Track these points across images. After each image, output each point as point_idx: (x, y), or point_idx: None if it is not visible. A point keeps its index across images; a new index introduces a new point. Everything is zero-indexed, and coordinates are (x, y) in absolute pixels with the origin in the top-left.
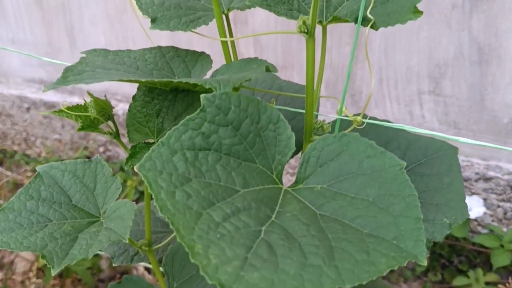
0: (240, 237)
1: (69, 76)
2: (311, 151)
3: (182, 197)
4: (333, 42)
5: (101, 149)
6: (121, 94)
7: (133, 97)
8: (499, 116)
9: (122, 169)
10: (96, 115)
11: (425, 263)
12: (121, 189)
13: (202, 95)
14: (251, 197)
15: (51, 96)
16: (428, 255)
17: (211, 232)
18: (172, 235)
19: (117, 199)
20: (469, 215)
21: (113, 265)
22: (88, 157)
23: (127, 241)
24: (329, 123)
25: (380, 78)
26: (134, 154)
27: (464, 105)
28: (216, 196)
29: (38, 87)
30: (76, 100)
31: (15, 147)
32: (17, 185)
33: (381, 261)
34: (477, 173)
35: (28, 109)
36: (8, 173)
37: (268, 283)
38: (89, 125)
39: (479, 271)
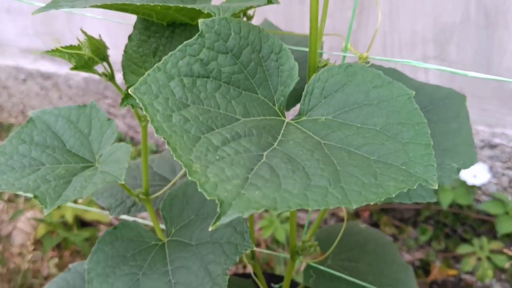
0: (241, 159)
1: (61, 1)
2: (315, 82)
3: (179, 121)
4: (336, 6)
5: None
6: (119, 63)
7: (129, 37)
8: (506, 82)
9: (121, 140)
10: (90, 54)
11: (435, 186)
12: (116, 133)
13: (200, 20)
14: (252, 125)
15: (48, 67)
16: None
17: (209, 154)
18: (170, 185)
19: (113, 144)
20: (477, 161)
21: (110, 216)
22: None
23: (122, 182)
24: (333, 63)
25: (384, 43)
26: (129, 95)
27: (470, 71)
28: (215, 122)
29: (34, 57)
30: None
31: (12, 120)
32: None
33: (389, 184)
34: (482, 140)
35: (24, 80)
36: None
37: (270, 201)
38: (83, 65)
39: (484, 239)
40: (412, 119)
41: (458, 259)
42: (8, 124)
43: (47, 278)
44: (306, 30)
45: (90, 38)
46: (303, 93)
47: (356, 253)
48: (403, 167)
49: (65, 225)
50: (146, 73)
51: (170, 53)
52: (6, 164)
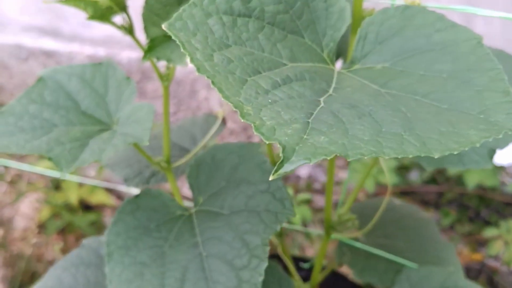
0: (297, 103)
1: None
2: (368, 26)
3: (222, 61)
4: None
5: None
6: (125, 41)
7: None
8: None
9: None
10: (109, 3)
11: None
12: (136, 93)
13: None
14: (302, 69)
15: (51, 45)
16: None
17: (260, 97)
18: (192, 153)
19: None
20: None
21: (127, 186)
22: None
23: (146, 143)
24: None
25: None
26: (153, 47)
27: (497, 45)
28: (261, 65)
29: (36, 35)
30: (76, 47)
31: None
32: None
33: (470, 133)
34: None
35: (26, 59)
36: None
37: (340, 147)
38: (100, 16)
39: (511, 221)
40: (484, 64)
41: (482, 243)
42: None
43: (51, 262)
44: None
45: None
46: (356, 39)
47: (392, 230)
48: (481, 116)
49: (69, 208)
50: (181, 8)
51: None
52: (15, 125)
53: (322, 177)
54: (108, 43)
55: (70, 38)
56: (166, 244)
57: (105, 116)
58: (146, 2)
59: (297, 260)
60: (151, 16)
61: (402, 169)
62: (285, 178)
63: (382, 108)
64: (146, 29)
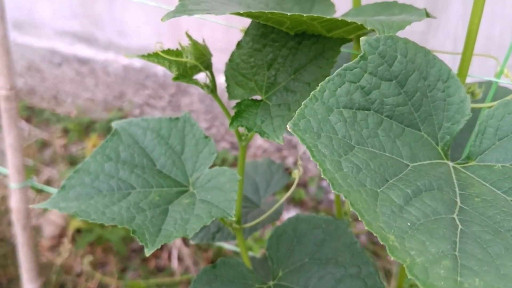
0: (435, 226)
1: (188, 4)
2: (488, 119)
3: (351, 170)
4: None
5: (137, 112)
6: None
7: (238, 44)
8: None
9: None
10: (195, 62)
11: None
12: (216, 154)
13: (362, 38)
14: (425, 173)
15: (85, 51)
16: None
17: (398, 219)
18: (263, 217)
19: (211, 166)
20: None
21: (191, 243)
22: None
23: (234, 218)
24: (480, 87)
25: (454, 49)
26: (239, 113)
27: None
28: (387, 170)
29: (70, 41)
30: (111, 56)
31: (44, 104)
32: (45, 145)
33: None
34: None
35: (59, 64)
36: (37, 131)
37: None
38: (183, 74)
39: None
40: None
41: None
42: (40, 108)
43: (80, 275)
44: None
45: (195, 44)
46: (474, 132)
47: None
48: None
49: None
50: (303, 103)
51: (327, 79)
52: (91, 185)
53: None
54: (144, 53)
55: (105, 46)
56: None
57: (181, 176)
58: (231, 60)
59: None
60: (236, 75)
61: None
62: (319, 201)
63: None
64: (229, 88)
